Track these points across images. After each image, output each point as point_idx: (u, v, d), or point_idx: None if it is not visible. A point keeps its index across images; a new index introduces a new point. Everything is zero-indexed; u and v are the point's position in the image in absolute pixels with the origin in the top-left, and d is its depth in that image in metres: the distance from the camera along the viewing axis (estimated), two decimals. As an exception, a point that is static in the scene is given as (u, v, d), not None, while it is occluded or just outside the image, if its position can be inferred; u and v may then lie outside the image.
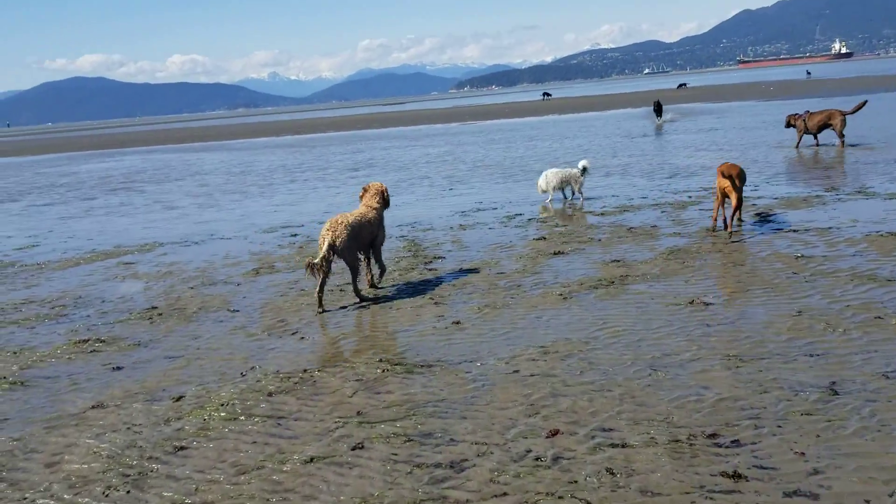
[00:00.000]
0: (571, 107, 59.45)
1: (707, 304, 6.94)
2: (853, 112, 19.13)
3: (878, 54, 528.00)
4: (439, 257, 10.19)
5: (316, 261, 7.94)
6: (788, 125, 19.96)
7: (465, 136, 35.36)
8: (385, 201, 9.01)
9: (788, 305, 6.67)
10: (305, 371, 6.07)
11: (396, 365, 6.00)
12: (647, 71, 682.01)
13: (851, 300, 6.63)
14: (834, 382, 4.88)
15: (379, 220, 8.81)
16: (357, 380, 5.76)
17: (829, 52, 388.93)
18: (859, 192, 12.11)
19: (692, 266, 8.47)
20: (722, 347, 5.78)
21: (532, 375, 5.53)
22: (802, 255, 8.41)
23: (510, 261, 9.59)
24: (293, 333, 7.25)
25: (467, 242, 11.04)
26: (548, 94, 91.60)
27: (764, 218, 10.84)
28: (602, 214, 12.32)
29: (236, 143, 49.81)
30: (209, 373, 6.32)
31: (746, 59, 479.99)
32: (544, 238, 10.82)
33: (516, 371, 5.65)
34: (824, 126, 19.17)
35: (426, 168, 22.06)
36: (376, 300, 8.27)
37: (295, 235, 12.82)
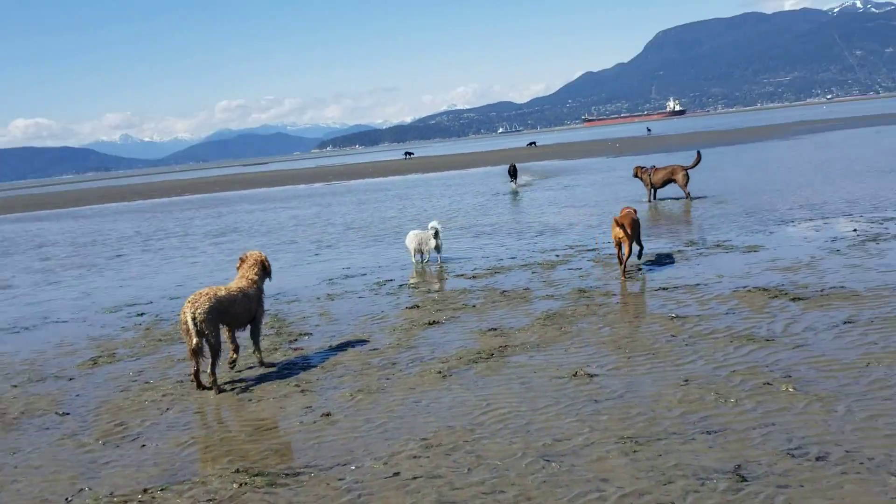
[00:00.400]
0: (434, 166, 60.25)
1: (591, 376, 6.59)
2: (693, 166, 20.14)
3: (708, 111, 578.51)
4: (306, 334, 9.40)
5: (195, 343, 7.10)
6: (636, 175, 20.80)
7: (332, 197, 34.68)
8: (266, 272, 8.30)
9: (674, 373, 6.43)
10: (146, 491, 5.11)
11: (257, 475, 5.17)
12: (501, 130, 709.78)
13: (735, 364, 6.48)
14: (739, 466, 4.55)
15: (259, 294, 8.07)
16: (209, 500, 4.88)
17: (664, 110, 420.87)
18: (718, 245, 12.47)
19: (570, 332, 8.17)
20: (615, 427, 5.38)
21: (415, 478, 4.88)
22: (677, 316, 8.32)
23: (383, 334, 8.96)
24: (133, 440, 6.22)
25: (336, 314, 10.32)
26: (410, 154, 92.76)
27: (632, 275, 10.85)
28: (474, 277, 11.97)
29: (86, 209, 46.53)
30: (27, 499, 5.22)
31: (591, 118, 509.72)
32: (417, 306, 10.28)
33: (396, 474, 4.98)
34: (668, 181, 20.09)
35: (293, 232, 21.15)
36: (234, 387, 7.37)
37: (142, 315, 11.60)
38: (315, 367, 7.89)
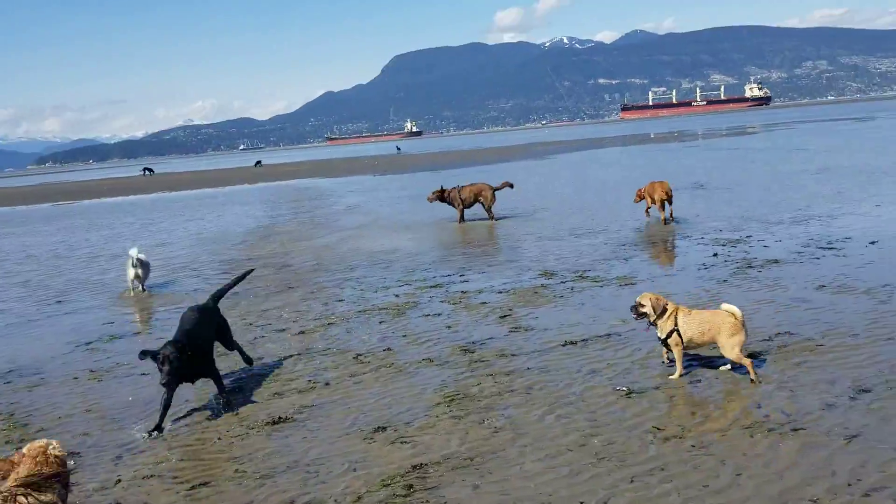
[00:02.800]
0: (182, 183, 54.21)
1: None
2: (501, 188, 18.84)
3: (442, 133, 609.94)
4: (71, 453, 5.84)
5: None
6: (444, 198, 18.82)
7: (68, 220, 28.49)
8: (63, 482, 4.20)
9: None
10: None
11: None
12: (242, 147, 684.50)
13: None
14: None
15: None
16: None
17: (403, 131, 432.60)
18: (581, 276, 10.72)
19: (500, 428, 5.66)
20: None
21: None
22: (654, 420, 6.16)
23: (204, 446, 5.74)
24: None
25: (111, 409, 6.82)
26: (150, 170, 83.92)
27: (513, 322, 8.60)
28: (303, 333, 8.98)
29: None
30: None
31: (334, 137, 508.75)
32: (241, 388, 7.11)
33: None
34: (476, 200, 18.62)
35: (22, 267, 16.10)
36: None
37: None
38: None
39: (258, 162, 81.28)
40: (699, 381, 6.29)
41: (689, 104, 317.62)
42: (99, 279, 14.14)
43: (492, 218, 18.16)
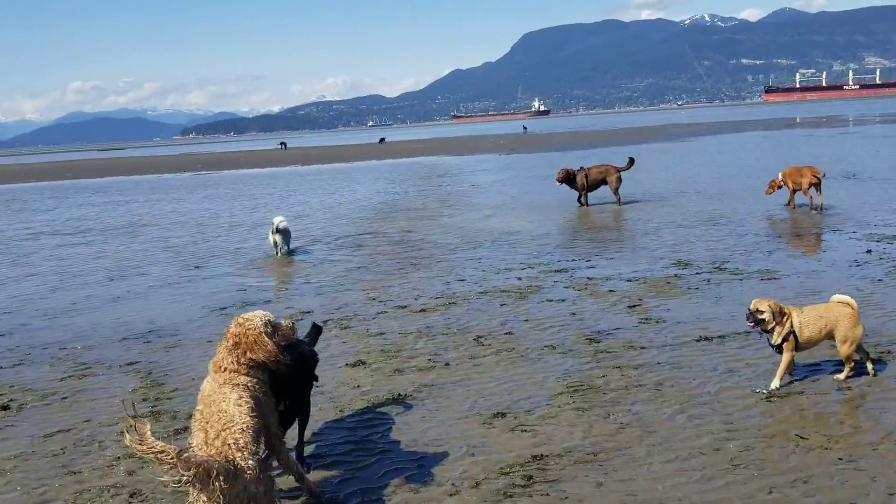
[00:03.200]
0: (314, 157, 56.16)
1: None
2: (626, 168, 18.18)
3: (570, 112, 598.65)
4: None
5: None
6: (570, 179, 18.24)
7: (214, 188, 30.19)
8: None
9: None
10: None
11: None
12: (371, 123, 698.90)
13: None
14: None
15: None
16: None
17: (530, 110, 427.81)
18: (718, 268, 10.12)
19: (627, 424, 5.39)
20: None
21: None
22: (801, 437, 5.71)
23: (323, 422, 5.81)
24: None
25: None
26: (284, 144, 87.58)
27: (643, 313, 8.22)
28: (423, 311, 8.97)
29: None
30: None
31: (460, 115, 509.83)
32: (362, 362, 7.17)
33: None
34: (601, 182, 18.07)
35: (166, 231, 17.16)
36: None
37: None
38: None
39: (382, 139, 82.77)
40: (848, 387, 5.75)
41: (840, 88, 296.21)
42: (237, 247, 14.78)
43: (619, 201, 17.61)
